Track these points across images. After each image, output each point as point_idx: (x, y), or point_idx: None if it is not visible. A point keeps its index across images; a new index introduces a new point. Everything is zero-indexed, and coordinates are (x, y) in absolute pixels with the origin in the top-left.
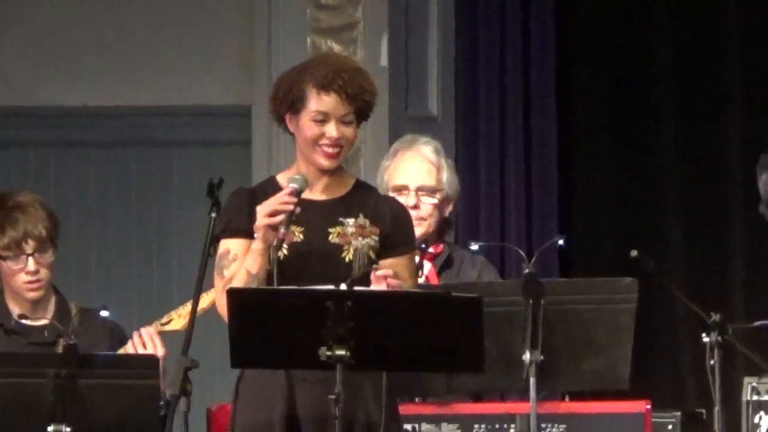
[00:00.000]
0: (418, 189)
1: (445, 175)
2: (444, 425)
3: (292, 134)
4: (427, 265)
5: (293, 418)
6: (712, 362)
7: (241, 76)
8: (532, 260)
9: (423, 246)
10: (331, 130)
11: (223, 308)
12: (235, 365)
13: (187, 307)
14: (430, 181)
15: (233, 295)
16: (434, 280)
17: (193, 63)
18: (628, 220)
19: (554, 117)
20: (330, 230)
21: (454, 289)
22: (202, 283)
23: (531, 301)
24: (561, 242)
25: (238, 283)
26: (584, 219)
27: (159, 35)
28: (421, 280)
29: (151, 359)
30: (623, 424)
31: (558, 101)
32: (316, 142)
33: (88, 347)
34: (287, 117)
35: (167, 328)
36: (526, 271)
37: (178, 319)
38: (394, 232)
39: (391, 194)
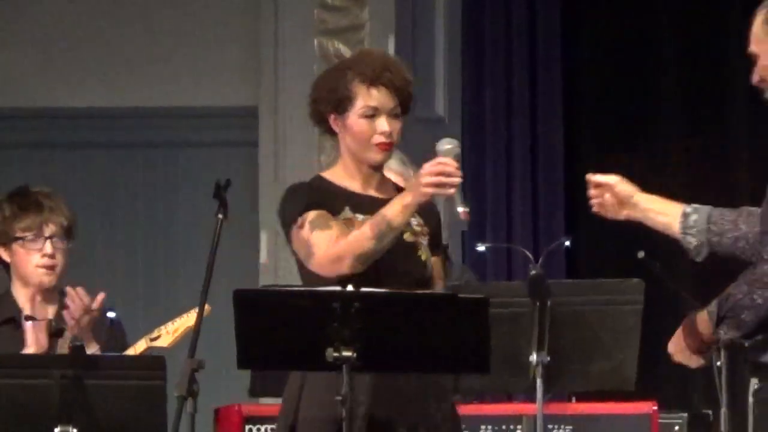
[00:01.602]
0: None
1: None
2: None
3: (335, 134)
4: None
5: (361, 415)
6: (718, 363)
7: (248, 77)
8: (539, 261)
9: None
10: (383, 124)
11: (335, 258)
12: (241, 366)
13: (176, 323)
14: None
15: (240, 296)
16: None
17: (200, 64)
18: (635, 221)
19: (561, 118)
20: (403, 229)
21: (461, 290)
22: (209, 284)
23: (537, 302)
24: (567, 243)
25: (365, 229)
26: (591, 220)
27: (165, 36)
28: None
29: (158, 360)
30: (630, 425)
31: (564, 102)
32: (368, 138)
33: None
34: (331, 117)
35: (155, 344)
36: (533, 272)
37: (166, 336)
38: (436, 232)
39: None
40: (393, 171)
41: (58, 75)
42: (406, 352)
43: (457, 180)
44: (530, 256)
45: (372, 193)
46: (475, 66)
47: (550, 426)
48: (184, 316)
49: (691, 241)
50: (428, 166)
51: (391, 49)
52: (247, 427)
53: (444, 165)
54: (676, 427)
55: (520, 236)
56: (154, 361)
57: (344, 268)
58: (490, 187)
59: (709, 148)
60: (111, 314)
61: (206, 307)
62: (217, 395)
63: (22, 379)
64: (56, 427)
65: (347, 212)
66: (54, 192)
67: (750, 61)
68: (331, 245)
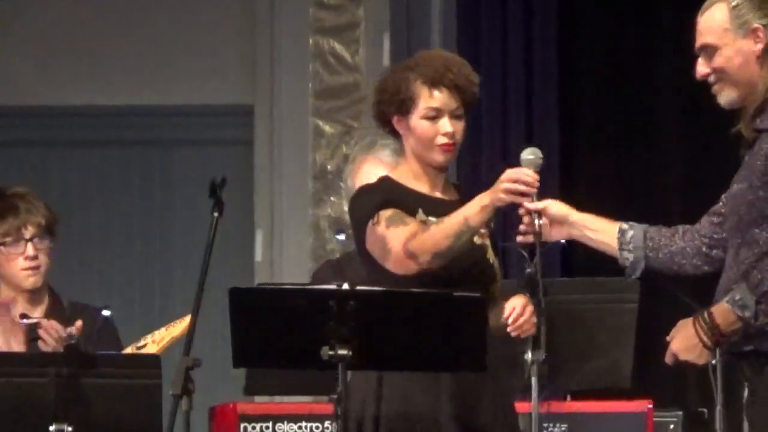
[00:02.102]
0: None
1: None
2: None
3: (398, 135)
4: None
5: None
6: (713, 362)
7: (244, 76)
8: (534, 259)
9: None
10: (445, 125)
11: (412, 254)
12: (237, 364)
13: (163, 333)
14: None
15: (235, 294)
16: None
17: (196, 62)
18: (631, 219)
19: (556, 116)
20: None
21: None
22: (204, 282)
23: (533, 301)
24: (563, 241)
25: (443, 227)
26: None
27: (161, 35)
28: None
29: (153, 358)
30: (625, 424)
31: (560, 100)
32: (431, 139)
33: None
34: (395, 119)
35: (141, 352)
36: (528, 270)
37: (152, 345)
38: (493, 234)
39: None
40: (384, 163)
41: (54, 73)
42: (402, 350)
43: (534, 190)
44: (525, 254)
45: (439, 195)
46: (470, 63)
47: (545, 424)
48: (171, 325)
49: (628, 257)
50: (509, 173)
51: (385, 48)
52: (242, 426)
53: (524, 174)
54: (671, 426)
55: (516, 235)
56: (149, 359)
57: (421, 264)
58: (485, 185)
59: (708, 148)
60: (106, 312)
61: (186, 320)
62: (212, 393)
63: (17, 377)
64: (52, 425)
65: (421, 215)
66: (29, 191)
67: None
68: (408, 240)
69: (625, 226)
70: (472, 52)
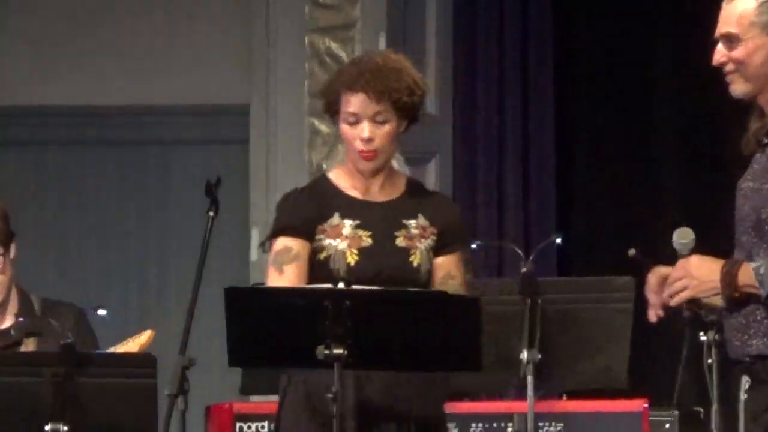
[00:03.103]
0: None
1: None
2: None
3: None
4: None
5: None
6: (709, 361)
7: (239, 75)
8: (530, 259)
9: None
10: (363, 130)
11: None
12: (232, 364)
13: (142, 338)
14: None
15: (231, 294)
16: None
17: (191, 62)
18: (626, 219)
19: (552, 115)
20: (396, 233)
21: None
22: (200, 281)
23: (528, 300)
24: (558, 241)
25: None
26: (582, 217)
27: (157, 34)
28: None
29: (149, 358)
30: (621, 423)
31: (556, 100)
32: (352, 144)
33: (54, 338)
34: (336, 119)
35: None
36: (524, 269)
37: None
38: (448, 230)
39: None
40: None
41: (48, 73)
42: (397, 350)
43: None
44: (521, 253)
45: (372, 197)
46: (467, 64)
47: (540, 423)
48: (135, 338)
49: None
50: None
51: (381, 47)
52: (237, 425)
53: None
54: (667, 425)
55: (512, 234)
56: (145, 358)
57: None
58: (482, 185)
59: (703, 148)
60: (102, 312)
61: (149, 333)
62: (208, 393)
63: (13, 377)
64: (47, 424)
65: (335, 219)
66: None
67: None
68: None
69: (753, 264)
70: (468, 51)
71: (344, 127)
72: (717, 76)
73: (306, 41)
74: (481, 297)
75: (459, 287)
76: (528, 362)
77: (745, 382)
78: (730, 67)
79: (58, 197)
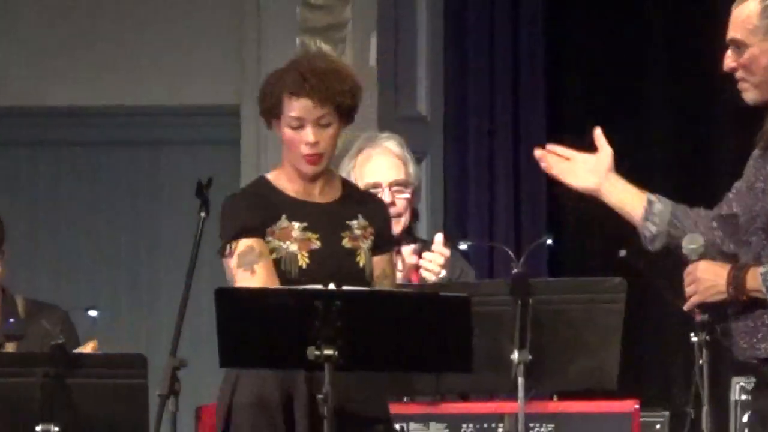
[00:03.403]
0: (392, 184)
1: (412, 168)
2: (432, 425)
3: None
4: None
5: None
6: (700, 362)
7: (231, 76)
8: (521, 260)
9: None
10: (308, 134)
11: None
12: (223, 365)
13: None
14: (401, 176)
15: (222, 294)
16: (416, 279)
17: (183, 62)
18: (617, 220)
19: (543, 116)
20: (342, 234)
21: (443, 288)
22: (191, 281)
23: (519, 301)
24: (549, 241)
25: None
26: (573, 218)
27: (148, 34)
28: (399, 276)
29: (140, 358)
30: (611, 424)
31: (547, 102)
32: (296, 148)
33: (37, 340)
34: (274, 123)
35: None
36: (515, 270)
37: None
38: (382, 230)
39: None
40: (393, 153)
41: (41, 73)
42: (388, 350)
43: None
44: (512, 254)
45: (314, 198)
46: (458, 65)
47: (531, 424)
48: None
49: (651, 229)
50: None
51: (373, 48)
52: None
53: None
54: (658, 426)
55: (503, 235)
56: (136, 359)
57: None
58: (473, 185)
59: (694, 149)
60: (92, 313)
61: (93, 343)
62: (198, 394)
63: (3, 377)
64: (38, 425)
65: (284, 221)
66: None
67: (723, 46)
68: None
69: (653, 198)
70: (459, 52)
71: (287, 132)
72: (708, 84)
73: (297, 42)
74: (472, 298)
75: (392, 286)
76: (519, 363)
77: (736, 383)
78: (740, 73)
79: (49, 198)
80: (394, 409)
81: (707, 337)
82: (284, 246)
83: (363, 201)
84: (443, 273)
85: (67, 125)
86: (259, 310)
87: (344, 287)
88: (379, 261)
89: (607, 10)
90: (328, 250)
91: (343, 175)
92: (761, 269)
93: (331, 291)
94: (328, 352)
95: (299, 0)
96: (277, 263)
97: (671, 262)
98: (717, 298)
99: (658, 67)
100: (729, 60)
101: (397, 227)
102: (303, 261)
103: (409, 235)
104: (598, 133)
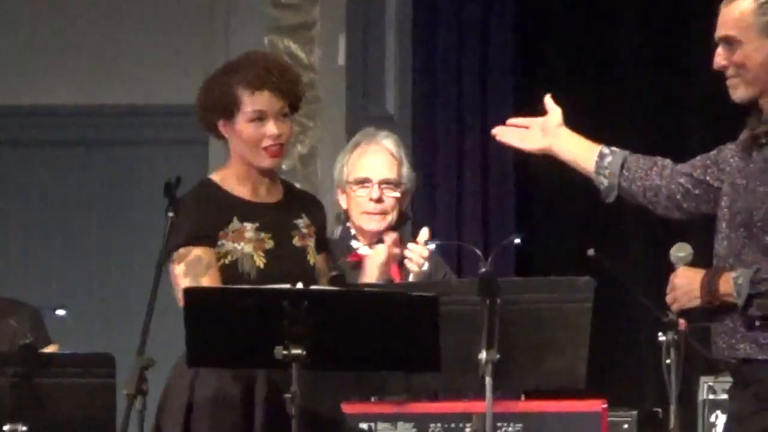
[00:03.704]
0: (382, 182)
1: (405, 170)
2: (400, 424)
3: (225, 140)
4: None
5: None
6: (668, 361)
7: (200, 75)
8: (489, 259)
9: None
10: (271, 128)
11: None
12: (191, 364)
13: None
14: (392, 175)
15: (190, 294)
16: (395, 273)
17: (152, 62)
18: (586, 219)
19: (512, 114)
20: (291, 233)
21: (411, 288)
22: (159, 281)
23: (487, 301)
24: (518, 241)
25: None
26: (541, 218)
27: (117, 35)
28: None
29: (108, 358)
30: (580, 423)
31: (515, 100)
32: (257, 143)
33: (6, 339)
34: (221, 123)
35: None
36: (483, 270)
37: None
38: (323, 228)
39: (354, 187)
40: (389, 151)
41: (10, 72)
42: (356, 350)
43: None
44: (480, 254)
45: (263, 198)
46: (426, 64)
47: (499, 424)
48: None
49: (603, 182)
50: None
51: (341, 47)
52: None
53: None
54: (626, 425)
55: (471, 234)
56: (104, 359)
57: None
58: (441, 184)
59: (663, 149)
60: (61, 312)
61: (54, 346)
62: None
63: None
64: (6, 425)
65: (235, 223)
66: None
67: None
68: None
69: (606, 150)
70: (427, 52)
71: (247, 127)
72: (675, 84)
73: (266, 41)
74: (440, 297)
75: (327, 283)
76: (487, 362)
77: (704, 383)
78: (731, 71)
79: (20, 197)
80: (363, 408)
81: (675, 337)
82: (239, 248)
83: (304, 200)
84: (426, 266)
85: (37, 124)
86: (226, 309)
87: (312, 287)
88: (319, 259)
89: (579, 12)
90: (281, 250)
91: (336, 167)
92: (733, 274)
93: (299, 290)
94: (296, 351)
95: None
96: (233, 265)
97: (639, 261)
98: (693, 303)
99: (630, 67)
100: (720, 58)
101: (382, 224)
102: (260, 261)
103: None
104: (547, 98)
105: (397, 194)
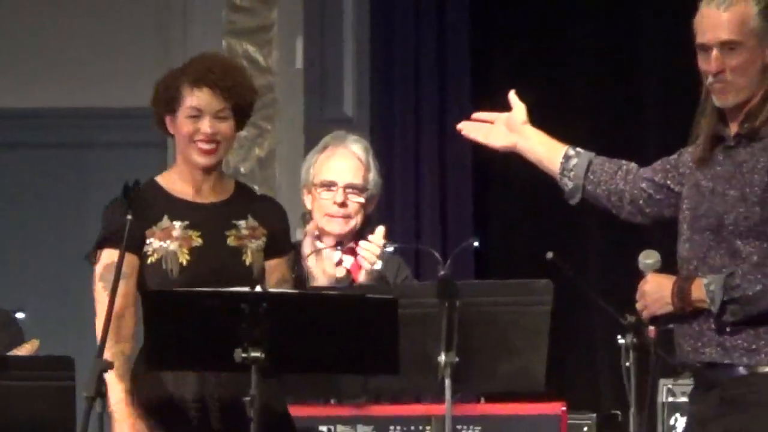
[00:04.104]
0: (347, 186)
1: (372, 175)
2: (359, 427)
3: (172, 136)
4: (350, 259)
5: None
6: (627, 364)
7: (157, 78)
8: (447, 262)
9: (339, 245)
10: (205, 125)
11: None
12: (151, 366)
13: (26, 347)
14: (358, 180)
15: (149, 297)
16: (356, 273)
17: (109, 65)
18: (544, 222)
19: (469, 118)
20: (227, 233)
21: (370, 290)
22: (118, 284)
23: (446, 303)
24: (476, 244)
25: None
26: (500, 221)
27: (73, 38)
28: (341, 273)
29: (66, 360)
30: (539, 426)
31: (473, 103)
32: (191, 138)
33: None
34: (167, 119)
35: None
36: (441, 272)
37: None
38: (278, 233)
39: (319, 189)
40: (356, 156)
41: None
42: (315, 352)
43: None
44: (438, 257)
45: (204, 198)
46: (384, 67)
47: (458, 427)
48: (21, 348)
49: (568, 184)
50: None
51: (299, 50)
52: None
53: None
54: (585, 428)
55: (429, 237)
56: (62, 361)
57: None
58: (399, 187)
59: (621, 151)
60: (20, 315)
61: (33, 343)
62: None
63: None
64: None
65: (165, 221)
66: None
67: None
68: (101, 322)
69: (571, 152)
70: (385, 54)
71: (184, 123)
72: (635, 87)
73: (223, 44)
74: (399, 299)
75: (292, 288)
76: (446, 365)
77: (664, 385)
78: (726, 76)
79: None
80: (322, 411)
81: (634, 340)
82: (164, 245)
83: (255, 203)
84: (379, 264)
85: None
86: (186, 312)
87: (271, 289)
88: (276, 265)
89: (533, 11)
90: (210, 249)
91: (304, 167)
92: (705, 280)
93: (257, 293)
94: (255, 354)
95: (225, 2)
96: (158, 263)
97: (598, 264)
98: (665, 310)
99: (590, 64)
100: (717, 62)
101: (345, 228)
102: (183, 258)
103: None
104: (511, 94)
105: (362, 200)
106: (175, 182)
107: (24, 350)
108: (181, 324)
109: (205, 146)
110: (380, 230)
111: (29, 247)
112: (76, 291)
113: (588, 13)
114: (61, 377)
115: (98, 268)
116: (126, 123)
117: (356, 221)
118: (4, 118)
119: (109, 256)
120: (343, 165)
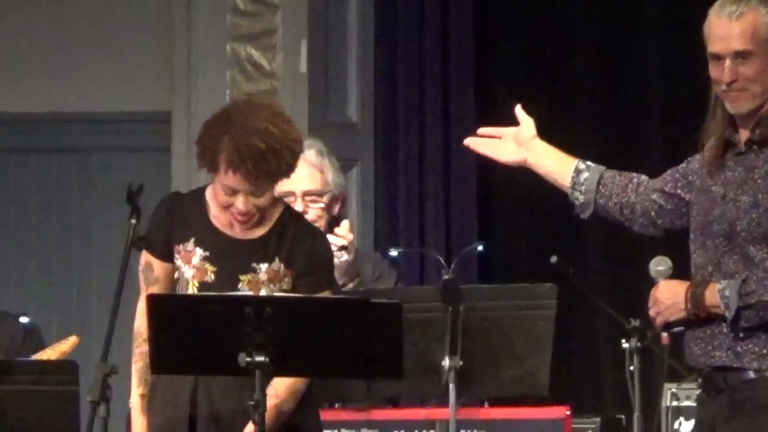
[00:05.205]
0: (305, 194)
1: (330, 176)
2: (363, 431)
3: None
4: None
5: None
6: (631, 368)
7: (161, 83)
8: (451, 266)
9: None
10: (240, 203)
11: (136, 328)
12: (155, 371)
13: (63, 346)
14: (315, 186)
15: (153, 301)
16: None
17: (113, 69)
18: (548, 226)
19: (473, 123)
20: (241, 277)
21: (374, 294)
22: (122, 288)
23: (450, 308)
24: (480, 248)
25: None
26: (504, 225)
27: (76, 43)
28: None
29: (71, 365)
30: (543, 430)
31: (477, 107)
32: (227, 209)
33: (2, 349)
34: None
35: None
36: (445, 277)
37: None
38: (305, 272)
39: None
40: (309, 162)
41: None
42: (319, 356)
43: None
44: (443, 261)
45: (234, 231)
46: (388, 71)
47: (462, 431)
48: (57, 345)
49: (579, 198)
50: None
51: (303, 54)
52: None
53: None
54: None
55: (433, 241)
56: (67, 366)
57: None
58: (403, 192)
59: (623, 157)
60: (24, 319)
61: (72, 340)
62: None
63: None
64: None
65: (190, 244)
66: None
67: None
68: (141, 316)
69: (581, 165)
70: (388, 59)
71: (220, 192)
72: (636, 89)
73: (227, 49)
74: (403, 304)
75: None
76: (450, 369)
77: (668, 390)
78: (740, 84)
79: None
80: (326, 415)
81: (638, 344)
82: (183, 269)
83: (287, 240)
84: (345, 257)
85: None
86: (190, 316)
87: (275, 294)
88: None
89: (538, 16)
90: (219, 288)
91: None
92: (719, 286)
93: (261, 297)
94: (259, 358)
95: (229, 7)
96: (176, 283)
97: (601, 268)
98: (678, 316)
99: (591, 72)
100: (731, 72)
101: None
102: (193, 290)
103: None
104: (518, 109)
105: (322, 204)
106: (216, 205)
107: (68, 345)
108: (185, 328)
109: (241, 218)
110: (345, 223)
111: (32, 252)
112: (79, 295)
113: (592, 14)
114: (65, 382)
115: (142, 261)
116: (131, 128)
117: (320, 225)
118: (6, 122)
119: (146, 258)
120: (298, 173)
